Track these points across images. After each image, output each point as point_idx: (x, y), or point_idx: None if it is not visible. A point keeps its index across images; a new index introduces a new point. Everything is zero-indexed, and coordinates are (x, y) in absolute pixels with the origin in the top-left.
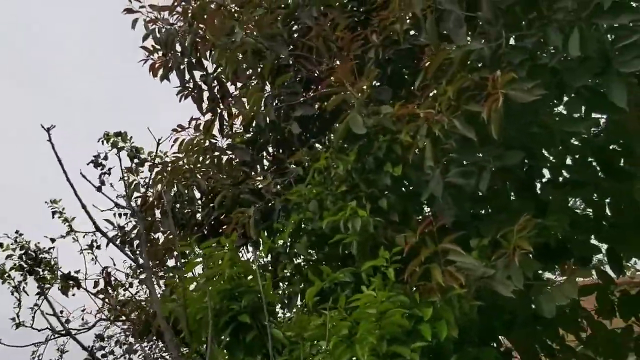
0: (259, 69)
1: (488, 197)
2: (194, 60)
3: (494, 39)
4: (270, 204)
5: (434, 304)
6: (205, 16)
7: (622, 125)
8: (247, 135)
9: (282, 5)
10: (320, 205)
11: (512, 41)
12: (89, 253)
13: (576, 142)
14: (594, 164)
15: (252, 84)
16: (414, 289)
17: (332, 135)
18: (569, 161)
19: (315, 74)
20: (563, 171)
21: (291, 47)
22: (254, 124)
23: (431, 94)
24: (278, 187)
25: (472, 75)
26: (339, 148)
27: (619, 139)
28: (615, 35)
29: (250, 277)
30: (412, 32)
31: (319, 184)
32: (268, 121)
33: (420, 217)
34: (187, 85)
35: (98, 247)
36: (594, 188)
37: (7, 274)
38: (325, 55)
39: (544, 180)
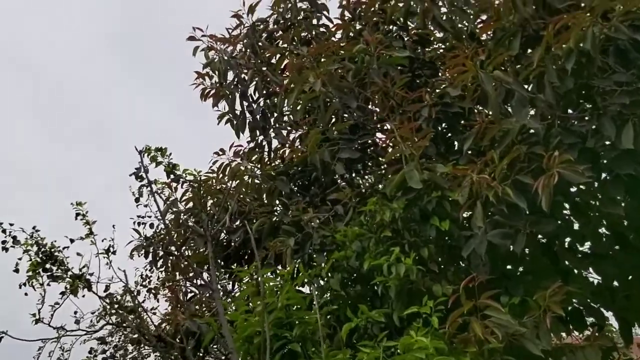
0: (324, 114)
1: (518, 259)
2: (249, 92)
3: (549, 119)
4: (309, 237)
5: (469, 354)
6: (271, 58)
7: None
8: (295, 169)
9: (355, 59)
10: (362, 246)
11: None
12: (104, 257)
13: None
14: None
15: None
16: (452, 338)
17: (371, 177)
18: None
19: (367, 123)
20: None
21: None
22: (308, 161)
23: (481, 159)
24: (318, 221)
25: (524, 148)
26: (390, 197)
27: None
28: None
29: (299, 308)
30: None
31: (362, 226)
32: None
33: (453, 269)
34: (234, 112)
35: (114, 253)
36: (612, 262)
37: (37, 272)
38: (382, 108)
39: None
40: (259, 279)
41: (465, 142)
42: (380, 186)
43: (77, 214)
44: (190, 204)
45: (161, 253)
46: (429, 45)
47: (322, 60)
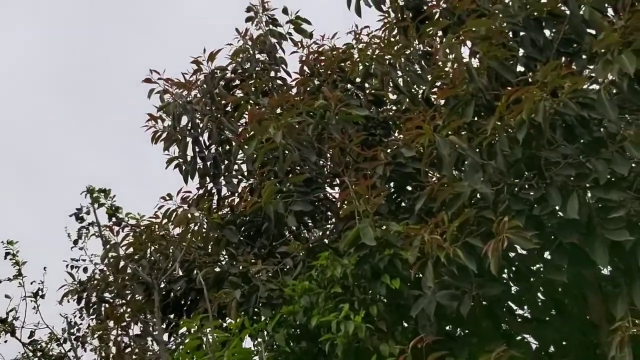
0: (282, 165)
1: (463, 320)
2: (200, 138)
3: (499, 185)
4: (255, 290)
5: None
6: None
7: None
8: (243, 218)
9: (314, 114)
10: (311, 301)
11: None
12: (32, 301)
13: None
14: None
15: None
16: None
17: (319, 231)
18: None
19: (321, 177)
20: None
21: None
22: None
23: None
24: (268, 274)
25: (474, 212)
26: (343, 252)
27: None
28: (604, 205)
29: None
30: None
31: (312, 281)
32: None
33: (400, 329)
34: (185, 157)
35: (42, 297)
36: (550, 327)
37: None
38: (338, 163)
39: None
40: (207, 331)
41: (417, 202)
42: (326, 240)
43: (7, 253)
44: (131, 249)
45: (94, 299)
46: (383, 105)
47: (284, 112)
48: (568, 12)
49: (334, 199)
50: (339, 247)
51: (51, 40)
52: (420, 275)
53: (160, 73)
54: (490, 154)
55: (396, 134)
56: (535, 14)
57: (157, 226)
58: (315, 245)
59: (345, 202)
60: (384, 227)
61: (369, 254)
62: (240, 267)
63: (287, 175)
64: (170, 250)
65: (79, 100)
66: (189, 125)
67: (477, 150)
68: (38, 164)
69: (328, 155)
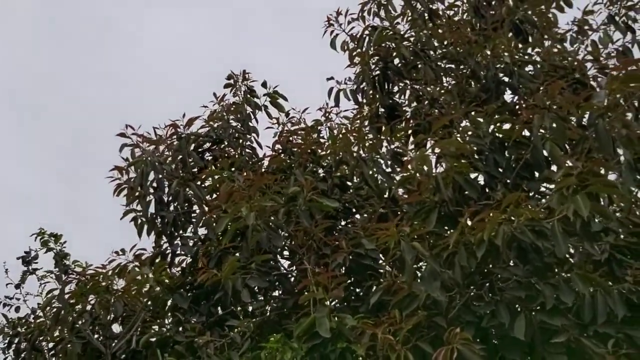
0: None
1: None
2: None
3: (452, 294)
4: None
5: None
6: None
7: None
8: (193, 284)
9: (286, 197)
10: None
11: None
12: None
13: None
14: None
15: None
16: None
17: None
18: None
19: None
20: None
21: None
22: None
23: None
24: (215, 347)
25: (427, 314)
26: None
27: None
28: (547, 328)
29: None
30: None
31: None
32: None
33: None
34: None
35: None
36: None
37: None
38: (302, 246)
39: None
40: None
41: (373, 296)
42: (275, 316)
43: None
44: (72, 300)
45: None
46: (347, 191)
47: (257, 194)
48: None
49: (288, 276)
50: (288, 328)
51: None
52: None
53: (134, 128)
54: (448, 264)
55: (356, 222)
56: (501, 136)
57: (101, 277)
58: (265, 322)
59: (305, 290)
60: (339, 319)
61: (320, 344)
62: (187, 336)
63: (251, 255)
64: (112, 305)
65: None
66: (155, 183)
67: (437, 259)
68: None
69: (292, 236)
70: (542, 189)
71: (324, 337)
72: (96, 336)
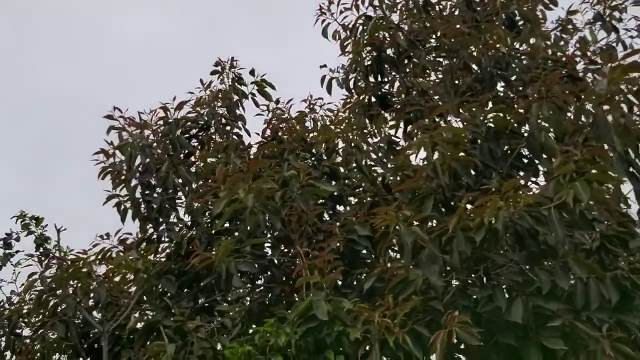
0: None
1: None
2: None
3: (448, 278)
4: (187, 346)
5: None
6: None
7: None
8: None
9: (281, 181)
10: None
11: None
12: None
13: None
14: None
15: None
16: None
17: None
18: None
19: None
20: None
21: None
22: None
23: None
24: (206, 331)
25: (423, 298)
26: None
27: None
28: (542, 313)
29: None
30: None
31: (253, 344)
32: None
33: None
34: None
35: None
36: None
37: None
38: (296, 231)
39: None
40: None
41: (366, 281)
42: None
43: None
44: (54, 285)
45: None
46: (338, 179)
47: (255, 176)
48: (526, 132)
49: (277, 263)
50: (279, 314)
51: None
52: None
53: (122, 111)
54: (446, 248)
55: (348, 209)
56: (494, 126)
57: (82, 262)
58: (251, 309)
59: (301, 273)
60: (335, 302)
61: (315, 327)
62: (174, 320)
63: (248, 237)
64: (94, 290)
65: None
66: (142, 167)
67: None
68: None
69: (284, 221)
70: (533, 178)
71: (321, 319)
72: (78, 321)
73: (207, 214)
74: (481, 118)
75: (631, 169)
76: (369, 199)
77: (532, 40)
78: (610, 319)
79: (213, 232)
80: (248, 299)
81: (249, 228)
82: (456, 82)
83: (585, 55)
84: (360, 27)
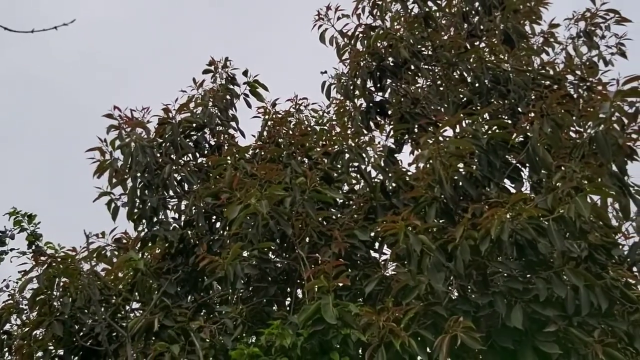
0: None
1: None
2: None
3: (450, 284)
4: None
5: None
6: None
7: None
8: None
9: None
10: None
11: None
12: None
13: None
14: None
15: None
16: None
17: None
18: None
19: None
20: None
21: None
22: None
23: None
24: (210, 332)
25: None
26: (300, 324)
27: None
28: (538, 319)
29: None
30: None
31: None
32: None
33: None
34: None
35: None
36: None
37: None
38: (297, 235)
39: None
40: None
41: (368, 286)
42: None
43: None
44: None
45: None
46: (333, 184)
47: (268, 183)
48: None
49: (276, 265)
50: (277, 315)
51: None
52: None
53: (121, 110)
54: (450, 257)
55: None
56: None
57: (70, 260)
58: (255, 308)
59: (311, 277)
60: (342, 306)
61: (323, 330)
62: (176, 321)
63: (258, 242)
64: (84, 288)
65: None
66: (142, 167)
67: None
68: None
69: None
70: (526, 190)
71: (330, 323)
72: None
73: (213, 217)
74: (482, 131)
75: (618, 184)
76: (363, 204)
77: (522, 54)
78: (600, 324)
79: (220, 234)
80: (244, 300)
81: (261, 233)
82: (451, 92)
83: (574, 72)
84: (361, 36)
